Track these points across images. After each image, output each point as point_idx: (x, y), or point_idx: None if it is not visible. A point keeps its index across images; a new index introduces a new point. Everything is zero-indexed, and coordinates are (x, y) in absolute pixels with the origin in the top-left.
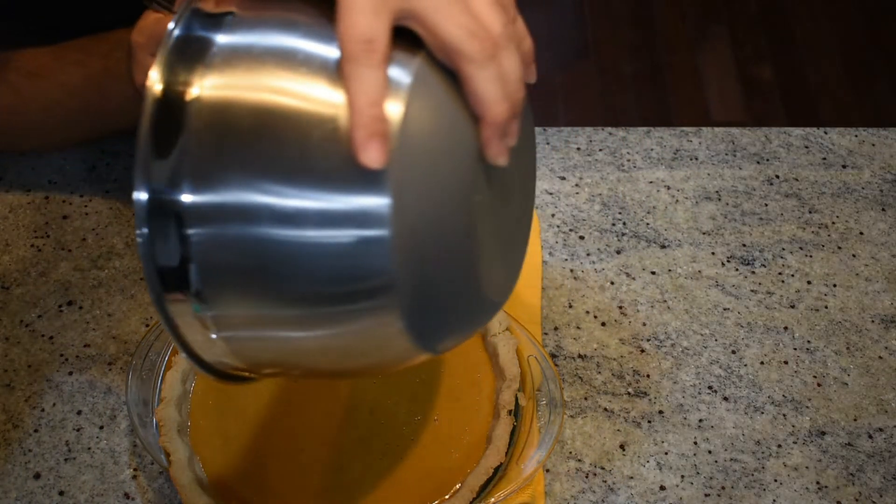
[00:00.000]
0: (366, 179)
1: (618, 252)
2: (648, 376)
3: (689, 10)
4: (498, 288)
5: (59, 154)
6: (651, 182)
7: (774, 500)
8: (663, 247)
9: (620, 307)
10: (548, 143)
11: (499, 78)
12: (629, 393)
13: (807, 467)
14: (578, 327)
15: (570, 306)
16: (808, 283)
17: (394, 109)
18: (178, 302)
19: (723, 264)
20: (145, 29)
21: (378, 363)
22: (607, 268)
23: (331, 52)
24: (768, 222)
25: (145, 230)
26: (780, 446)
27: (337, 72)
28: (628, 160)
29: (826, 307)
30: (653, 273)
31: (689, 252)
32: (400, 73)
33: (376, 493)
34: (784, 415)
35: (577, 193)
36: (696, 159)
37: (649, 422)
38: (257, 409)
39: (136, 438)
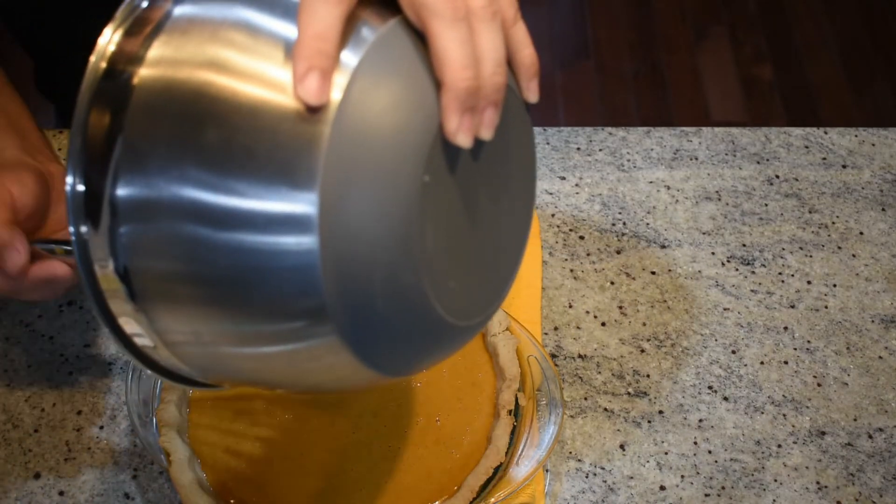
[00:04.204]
0: (294, 169)
1: (618, 252)
2: (648, 376)
3: (689, 10)
4: (464, 309)
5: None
6: (651, 182)
7: (774, 500)
8: (663, 247)
9: (620, 307)
10: (548, 143)
11: (468, 43)
12: (629, 393)
13: (807, 467)
14: (578, 327)
15: (570, 306)
16: (808, 283)
17: (340, 78)
18: (117, 300)
19: (723, 264)
20: None
21: (338, 384)
22: (607, 268)
23: (290, 31)
24: (768, 222)
25: (83, 228)
26: (780, 446)
27: (289, 53)
28: (628, 160)
29: (826, 307)
30: (653, 273)
31: (689, 252)
32: (363, 35)
33: (377, 494)
34: (784, 415)
35: (577, 193)
36: (696, 159)
37: (649, 422)
38: (258, 409)
39: (136, 438)
